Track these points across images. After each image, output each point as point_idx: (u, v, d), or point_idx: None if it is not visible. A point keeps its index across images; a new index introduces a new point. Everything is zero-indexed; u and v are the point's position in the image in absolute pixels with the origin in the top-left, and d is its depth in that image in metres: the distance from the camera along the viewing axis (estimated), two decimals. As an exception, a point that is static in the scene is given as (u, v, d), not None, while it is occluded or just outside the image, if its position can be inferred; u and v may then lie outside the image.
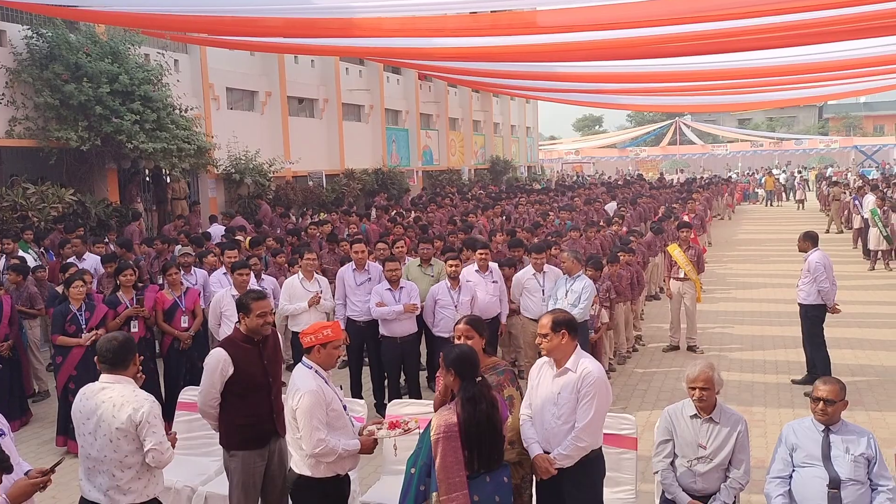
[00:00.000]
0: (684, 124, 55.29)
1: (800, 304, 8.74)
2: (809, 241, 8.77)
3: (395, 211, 18.01)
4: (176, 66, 17.30)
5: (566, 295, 7.96)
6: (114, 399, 3.97)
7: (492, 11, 11.35)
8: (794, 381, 8.62)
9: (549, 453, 4.27)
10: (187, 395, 6.01)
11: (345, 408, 4.41)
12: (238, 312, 4.79)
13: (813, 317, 8.60)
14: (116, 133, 13.92)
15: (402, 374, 8.04)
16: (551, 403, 4.32)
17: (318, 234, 12.89)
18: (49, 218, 12.87)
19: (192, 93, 17.99)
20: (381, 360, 8.19)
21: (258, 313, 4.67)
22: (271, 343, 4.88)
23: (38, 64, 13.80)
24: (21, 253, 10.50)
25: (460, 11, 12.96)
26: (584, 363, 4.31)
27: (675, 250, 10.38)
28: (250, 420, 4.68)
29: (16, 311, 7.87)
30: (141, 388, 4.13)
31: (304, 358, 4.39)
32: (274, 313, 5.57)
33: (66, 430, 7.10)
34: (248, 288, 7.53)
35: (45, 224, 12.69)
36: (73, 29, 14.21)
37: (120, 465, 3.96)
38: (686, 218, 14.64)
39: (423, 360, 8.98)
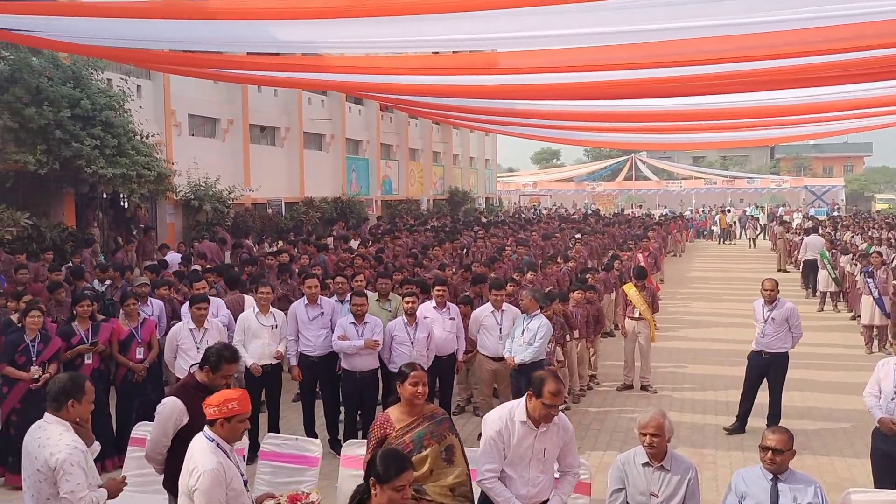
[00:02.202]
0: (640, 160, 56.53)
1: (770, 354, 8.46)
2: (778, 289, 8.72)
3: (357, 241, 17.89)
4: (139, 92, 17.18)
5: (522, 333, 8.07)
6: (41, 440, 4.00)
7: (453, 52, 11.58)
8: (726, 430, 8.60)
9: None
10: (141, 430, 5.91)
11: (245, 483, 4.19)
12: (205, 364, 4.67)
13: (785, 365, 8.54)
14: (76, 157, 13.71)
15: (359, 409, 8.01)
16: (537, 460, 4.45)
17: (275, 263, 12.78)
18: (2, 241, 12.60)
19: (153, 119, 17.85)
20: (334, 395, 8.18)
21: (224, 374, 4.60)
22: None
23: (-1, 87, 13.58)
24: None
25: (423, 51, 13.19)
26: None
27: (630, 289, 10.59)
28: None
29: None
30: (92, 422, 4.12)
31: (206, 428, 4.09)
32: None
33: (4, 461, 6.93)
34: (205, 321, 7.46)
35: (-4, 247, 12.42)
36: (35, 52, 14.01)
37: None
38: (641, 256, 14.95)
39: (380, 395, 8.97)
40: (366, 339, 7.63)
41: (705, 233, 41.12)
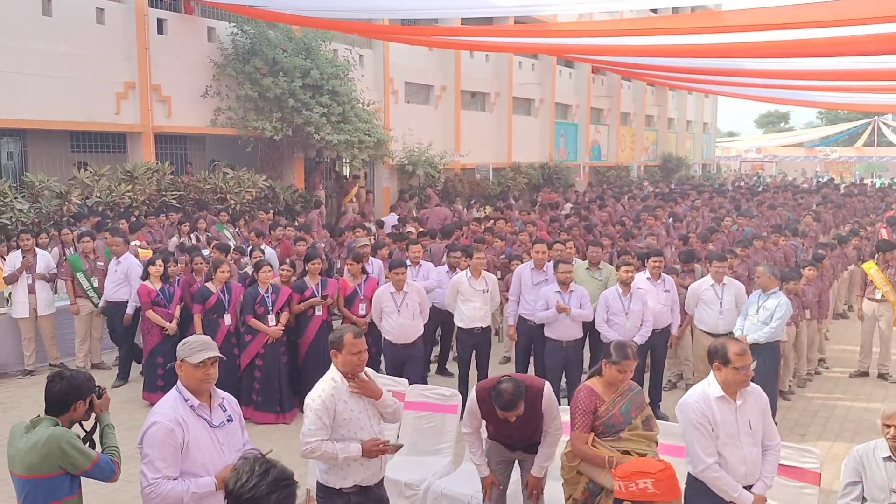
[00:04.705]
0: (883, 124, 50.49)
1: None
2: None
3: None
4: (361, 61, 18.16)
5: (757, 312, 7.56)
6: None
7: (673, 10, 10.99)
8: None
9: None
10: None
11: None
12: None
13: None
14: (306, 124, 14.90)
15: (563, 378, 8.00)
16: (745, 434, 4.23)
17: (480, 230, 12.99)
18: (244, 201, 14.03)
19: (374, 87, 18.80)
20: (545, 362, 8.23)
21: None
22: None
23: (241, 58, 15.01)
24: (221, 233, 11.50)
25: (639, 9, 12.65)
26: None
27: (871, 268, 9.56)
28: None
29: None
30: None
31: None
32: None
33: (248, 403, 7.72)
34: (405, 284, 7.60)
35: (240, 206, 13.85)
36: (272, 26, 15.30)
37: None
38: (885, 231, 13.45)
39: (587, 365, 8.89)
40: (557, 303, 7.52)
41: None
